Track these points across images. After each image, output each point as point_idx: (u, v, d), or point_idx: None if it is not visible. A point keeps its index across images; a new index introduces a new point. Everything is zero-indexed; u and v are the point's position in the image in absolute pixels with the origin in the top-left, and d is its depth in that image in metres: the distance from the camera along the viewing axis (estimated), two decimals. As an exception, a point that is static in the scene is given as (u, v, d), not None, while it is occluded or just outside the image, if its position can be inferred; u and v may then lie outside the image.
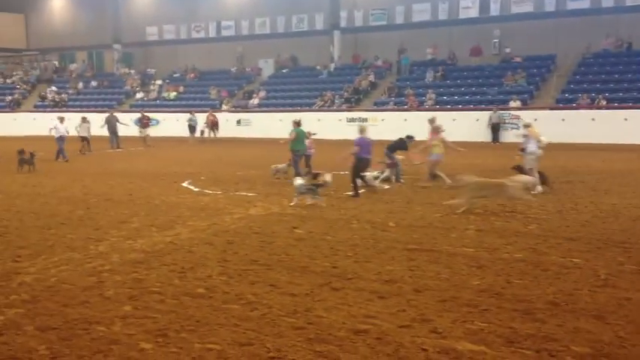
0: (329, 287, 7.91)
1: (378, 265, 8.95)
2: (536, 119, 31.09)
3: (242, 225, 11.89)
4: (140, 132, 33.26)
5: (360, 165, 15.37)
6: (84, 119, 29.25)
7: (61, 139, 25.17)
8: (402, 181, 17.32)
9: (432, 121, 18.08)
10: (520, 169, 14.87)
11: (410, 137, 17.94)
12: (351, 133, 31.64)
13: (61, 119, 26.36)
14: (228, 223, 12.12)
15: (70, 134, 26.68)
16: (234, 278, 8.37)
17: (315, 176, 16.38)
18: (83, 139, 28.66)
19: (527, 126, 16.52)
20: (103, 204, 14.52)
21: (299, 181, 14.38)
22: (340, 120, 34.39)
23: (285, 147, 18.26)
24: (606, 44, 35.44)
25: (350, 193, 15.20)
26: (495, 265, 8.82)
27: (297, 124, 18.14)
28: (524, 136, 16.01)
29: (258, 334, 6.37)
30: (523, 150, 15.65)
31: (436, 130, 17.25)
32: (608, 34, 35.17)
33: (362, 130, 15.79)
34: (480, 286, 7.89)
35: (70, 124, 28.24)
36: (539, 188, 15.08)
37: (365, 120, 17.18)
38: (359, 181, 15.39)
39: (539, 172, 15.40)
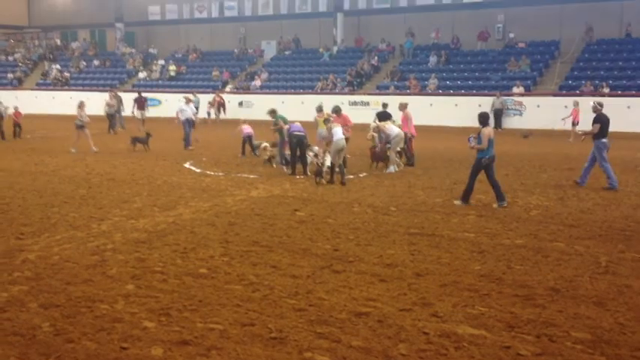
0: (330, 270, 7.95)
1: (379, 248, 8.98)
2: (539, 105, 31.17)
3: (244, 207, 11.92)
4: (134, 114, 30.13)
5: (292, 142, 15.97)
6: (188, 100, 23.95)
7: (188, 122, 22.12)
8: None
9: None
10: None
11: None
12: (353, 116, 31.84)
13: (188, 100, 23.39)
14: (230, 204, 12.14)
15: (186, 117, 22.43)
16: (235, 259, 8.41)
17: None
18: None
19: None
20: (105, 183, 14.55)
21: None
22: (342, 103, 34.19)
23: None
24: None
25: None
26: (496, 251, 8.86)
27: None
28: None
29: (260, 315, 6.41)
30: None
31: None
32: (614, 20, 34.97)
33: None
34: (481, 271, 7.92)
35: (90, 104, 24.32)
36: (392, 169, 16.65)
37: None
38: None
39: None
